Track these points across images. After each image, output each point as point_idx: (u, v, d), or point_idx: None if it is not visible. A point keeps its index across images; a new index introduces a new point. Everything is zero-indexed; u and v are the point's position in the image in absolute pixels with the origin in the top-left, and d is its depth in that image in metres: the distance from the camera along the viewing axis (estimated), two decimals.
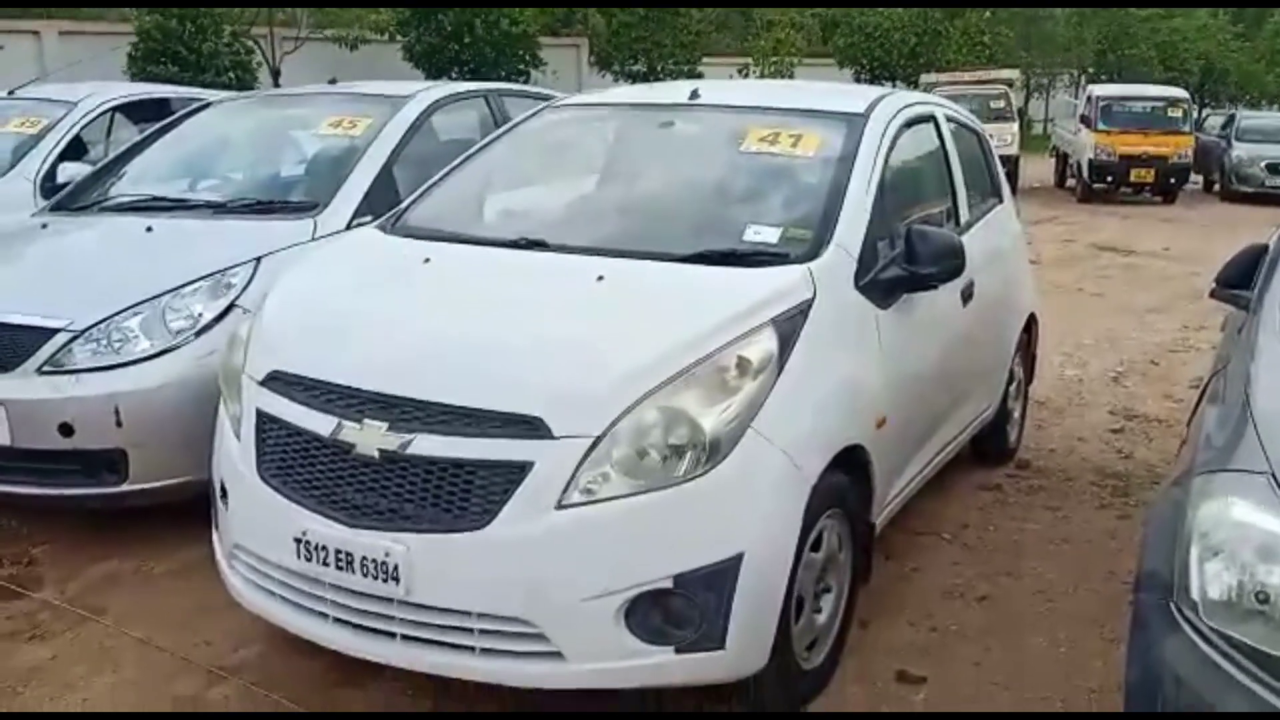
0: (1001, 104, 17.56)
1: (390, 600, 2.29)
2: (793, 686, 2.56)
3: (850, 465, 2.62)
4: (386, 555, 2.26)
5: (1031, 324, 4.51)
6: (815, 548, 2.53)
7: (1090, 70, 31.44)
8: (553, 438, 2.23)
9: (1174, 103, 17.03)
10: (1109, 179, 16.33)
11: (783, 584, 2.34)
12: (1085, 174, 16.49)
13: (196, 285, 3.49)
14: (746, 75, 23.78)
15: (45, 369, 3.32)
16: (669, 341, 2.38)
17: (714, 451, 2.26)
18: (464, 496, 2.25)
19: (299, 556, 2.37)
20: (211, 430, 2.78)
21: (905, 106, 3.50)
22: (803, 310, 2.56)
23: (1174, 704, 1.70)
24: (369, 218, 3.68)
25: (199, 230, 3.89)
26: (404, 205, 3.40)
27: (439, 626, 2.28)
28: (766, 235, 2.84)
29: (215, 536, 2.76)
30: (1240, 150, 17.51)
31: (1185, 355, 6.53)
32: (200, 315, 3.43)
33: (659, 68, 23.37)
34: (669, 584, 2.21)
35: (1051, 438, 4.84)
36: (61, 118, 5.57)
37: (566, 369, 2.35)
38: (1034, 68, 30.70)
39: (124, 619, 3.01)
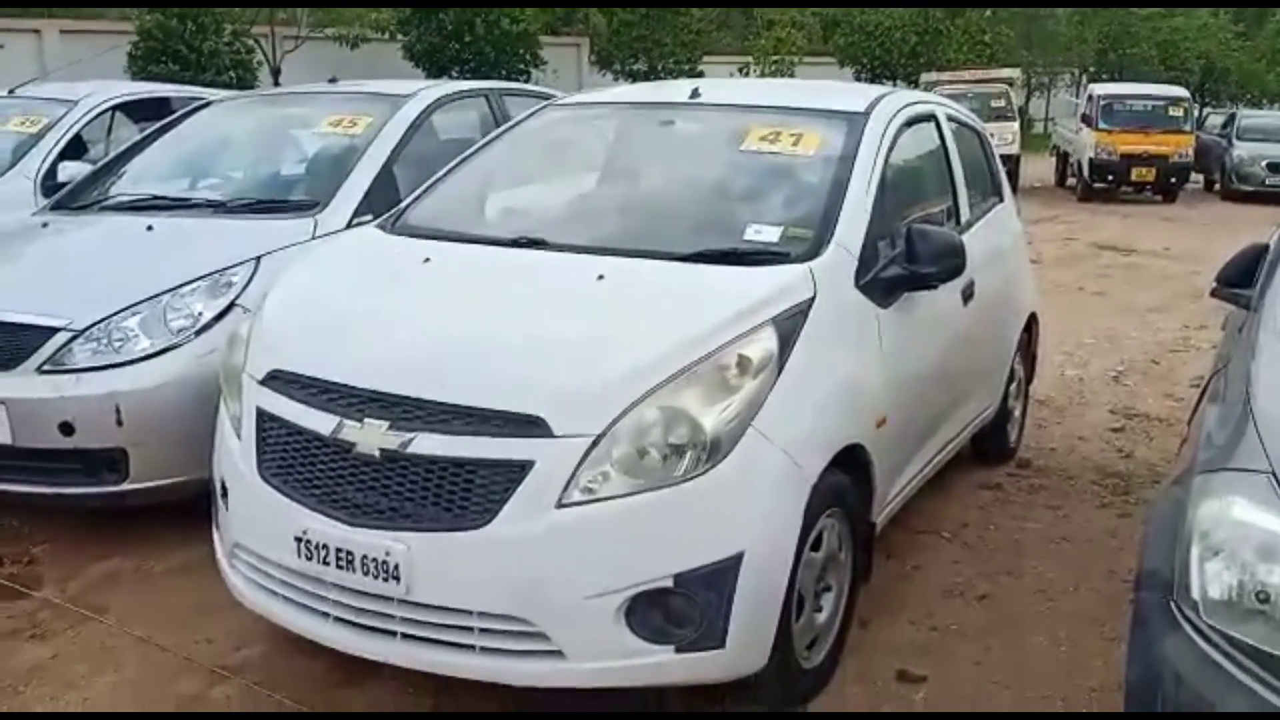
0: (1002, 103, 17.56)
1: (391, 599, 2.29)
2: (793, 685, 2.56)
3: (850, 464, 2.62)
4: (387, 554, 2.26)
5: (1032, 323, 4.51)
6: (815, 547, 2.53)
7: (1091, 69, 31.42)
8: (553, 437, 2.23)
9: (1175, 102, 17.02)
10: (1110, 178, 16.32)
11: (783, 583, 2.34)
12: (1086, 173, 16.49)
13: (196, 284, 3.49)
14: (747, 74, 23.76)
15: (46, 368, 3.32)
16: (669, 340, 2.38)
17: (714, 451, 2.26)
18: (464, 495, 2.25)
19: (299, 555, 2.37)
20: (212, 429, 2.78)
21: (906, 105, 3.49)
22: (803, 309, 2.55)
23: (1174, 703, 1.70)
24: (369, 217, 3.68)
25: (199, 229, 3.90)
26: (404, 204, 3.40)
27: (439, 625, 2.28)
28: (767, 234, 2.84)
29: (216, 535, 2.76)
30: (1241, 149, 17.51)
31: (1186, 354, 6.53)
32: (200, 314, 3.43)
33: (659, 67, 23.36)
34: (669, 583, 2.21)
35: (1052, 437, 4.84)
36: (62, 116, 5.57)
37: (567, 368, 2.35)
38: (1035, 67, 30.68)
39: (125, 618, 3.01)
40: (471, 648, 2.28)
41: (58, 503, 3.49)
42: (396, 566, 2.25)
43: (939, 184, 3.77)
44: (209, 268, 3.53)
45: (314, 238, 3.73)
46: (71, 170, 5.06)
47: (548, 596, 2.22)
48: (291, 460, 2.45)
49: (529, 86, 6.62)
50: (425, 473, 2.27)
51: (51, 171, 5.26)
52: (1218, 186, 18.09)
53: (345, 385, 2.42)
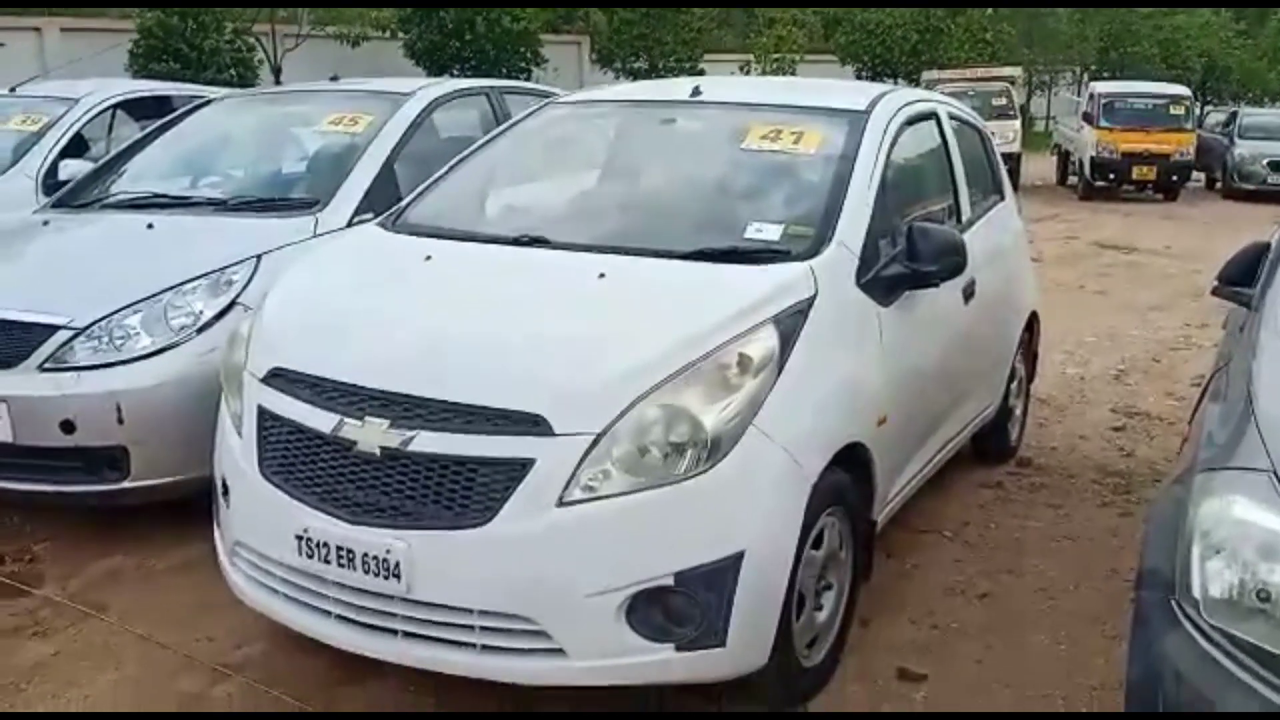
0: (1003, 101, 17.56)
1: (391, 597, 2.29)
2: (793, 684, 2.56)
3: (851, 463, 2.62)
4: (388, 552, 2.26)
5: (1033, 322, 4.51)
6: (816, 545, 2.53)
7: (1092, 67, 31.39)
8: (554, 435, 2.23)
9: (1176, 100, 17.01)
10: (1111, 176, 16.30)
11: (784, 582, 2.35)
12: (1087, 171, 16.48)
13: (197, 283, 3.49)
14: (748, 72, 23.76)
15: (47, 366, 3.32)
16: (670, 339, 2.37)
17: (715, 449, 2.26)
18: (465, 494, 2.25)
19: (300, 553, 2.37)
20: (212, 428, 2.78)
21: (907, 104, 3.49)
22: (804, 308, 2.55)
23: (1175, 702, 1.70)
24: (370, 215, 3.68)
25: (200, 227, 3.90)
26: (405, 203, 3.40)
27: (440, 624, 2.28)
28: (768, 232, 2.83)
29: (217, 533, 2.76)
30: (1242, 148, 17.50)
31: (1187, 353, 6.53)
32: (201, 313, 3.43)
33: (660, 65, 23.36)
34: (670, 581, 2.21)
35: (1053, 435, 4.84)
36: (63, 115, 5.57)
37: (568, 366, 2.35)
38: (1036, 65, 30.66)
39: (126, 616, 3.01)
40: (472, 646, 2.28)
41: (59, 501, 3.49)
42: (397, 565, 2.25)
43: (940, 182, 3.77)
44: (210, 266, 3.53)
45: (315, 236, 3.73)
46: (72, 168, 5.06)
47: (548, 595, 2.22)
48: (292, 458, 2.45)
49: (530, 85, 6.62)
50: (426, 471, 2.27)
51: (52, 170, 5.26)
52: (1219, 185, 18.07)
53: (346, 383, 2.42)
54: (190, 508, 3.18)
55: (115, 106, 5.87)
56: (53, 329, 3.34)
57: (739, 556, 2.24)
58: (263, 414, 2.54)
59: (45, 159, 5.31)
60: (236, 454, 2.58)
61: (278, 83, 17.88)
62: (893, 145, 3.20)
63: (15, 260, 3.84)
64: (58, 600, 3.12)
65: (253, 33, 18.80)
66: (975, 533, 3.73)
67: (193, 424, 3.14)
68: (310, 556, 2.36)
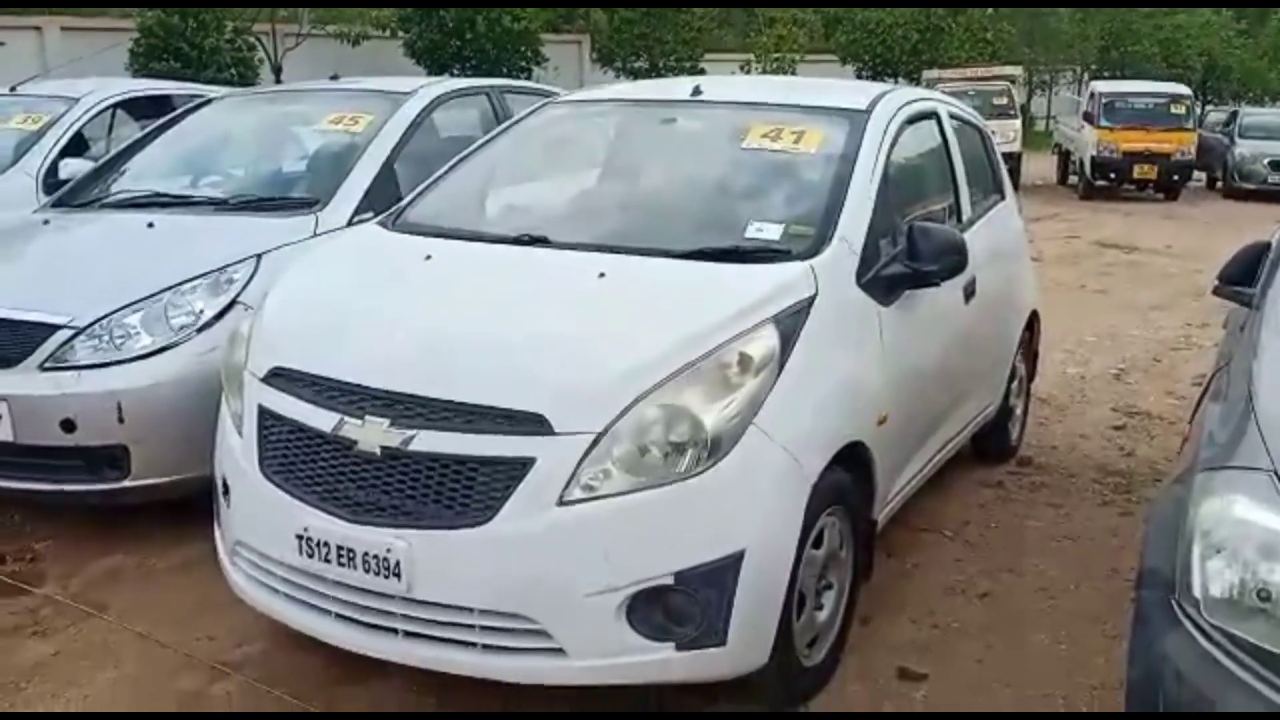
0: (1004, 100, 17.55)
1: (392, 596, 2.29)
2: (794, 684, 2.56)
3: (852, 462, 2.62)
4: (388, 551, 2.26)
5: (1034, 321, 4.51)
6: (816, 545, 2.52)
7: (1093, 67, 31.39)
8: (554, 434, 2.23)
9: (1177, 99, 17.00)
10: (1112, 176, 16.30)
11: (784, 581, 2.35)
12: (1088, 171, 16.48)
13: (198, 282, 3.49)
14: (748, 72, 23.75)
15: (47, 365, 3.32)
16: (670, 338, 2.37)
17: (715, 448, 2.26)
18: (465, 493, 2.25)
19: (301, 553, 2.37)
20: (213, 427, 2.78)
21: (907, 103, 3.49)
22: (804, 307, 2.55)
23: (1175, 701, 1.70)
24: (370, 214, 3.68)
25: (200, 227, 3.90)
26: (405, 202, 3.40)
27: (440, 623, 2.28)
28: (768, 232, 2.83)
29: (217, 533, 2.76)
30: (1243, 147, 17.50)
31: (1188, 352, 6.53)
32: (202, 312, 3.43)
33: (661, 64, 23.36)
34: (670, 581, 2.21)
35: (1054, 435, 4.84)
36: (63, 114, 5.57)
37: (568, 365, 2.35)
38: (1037, 64, 30.65)
39: (126, 615, 3.01)
40: (473, 645, 2.28)
41: (59, 500, 3.49)
42: (398, 564, 2.25)
43: (941, 181, 3.77)
44: (210, 265, 3.53)
45: (315, 235, 3.73)
46: (73, 167, 5.06)
47: (549, 594, 2.22)
48: (293, 458, 2.45)
49: (530, 84, 6.62)
50: (426, 470, 2.27)
51: (53, 169, 5.26)
52: (1220, 184, 18.07)
53: (346, 383, 2.43)
54: (190, 507, 3.18)
55: (115, 106, 5.87)
56: (53, 328, 3.34)
57: (739, 556, 2.24)
58: (263, 413, 2.54)
59: (46, 158, 5.31)
60: (237, 453, 2.58)
61: (278, 82, 17.87)
62: (893, 145, 3.20)
63: (16, 259, 3.84)
64: (58, 599, 3.12)
65: (253, 32, 18.79)
66: (976, 532, 3.73)
67: (193, 423, 3.14)
68: (311, 556, 2.36)
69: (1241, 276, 2.90)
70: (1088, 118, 16.91)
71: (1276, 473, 1.74)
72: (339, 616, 2.39)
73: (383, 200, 3.77)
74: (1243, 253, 3.01)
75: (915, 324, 3.02)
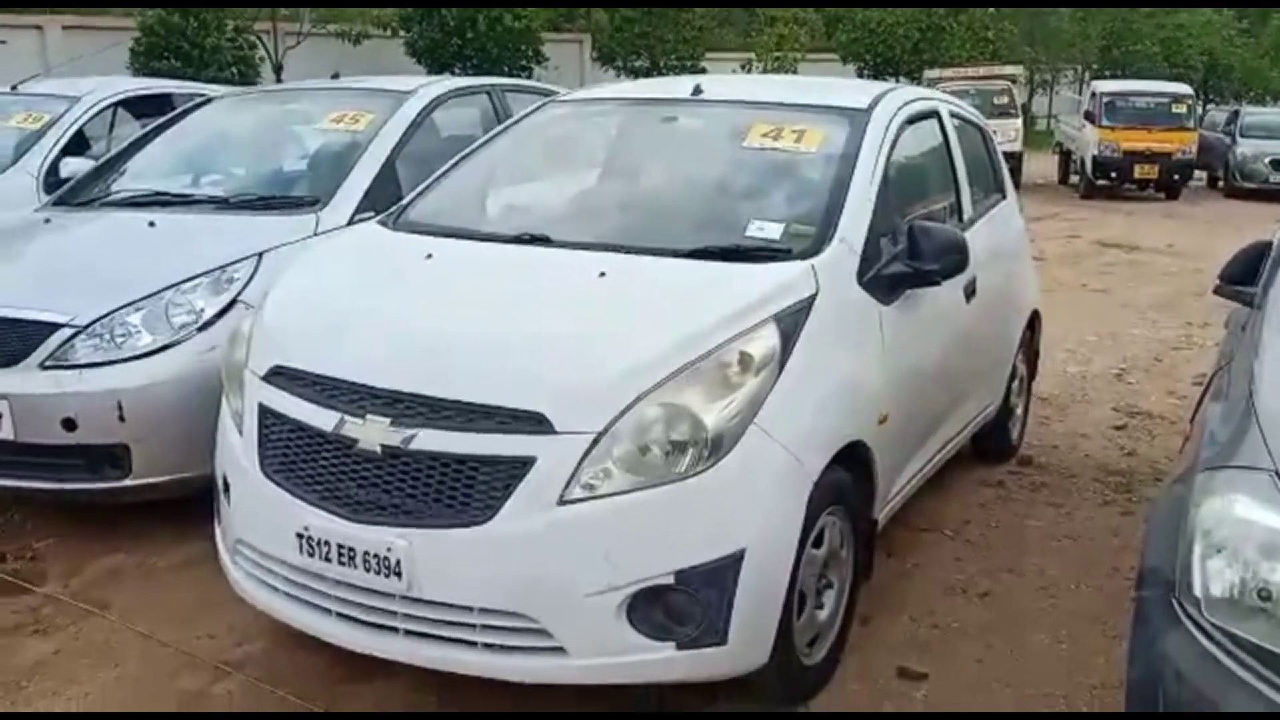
0: (1005, 100, 17.54)
1: (392, 595, 2.29)
2: (794, 683, 2.56)
3: (852, 462, 2.62)
4: (389, 550, 2.26)
5: (1035, 320, 4.51)
6: (817, 544, 2.52)
7: (1094, 66, 31.36)
8: (555, 433, 2.23)
9: (1178, 99, 17.00)
10: (1113, 175, 16.30)
11: (784, 580, 2.35)
12: (1089, 170, 16.47)
13: (199, 281, 3.49)
14: (749, 71, 23.74)
15: (48, 364, 3.32)
16: (671, 337, 2.37)
17: (716, 448, 2.26)
18: (466, 492, 2.25)
19: (301, 552, 2.37)
20: (214, 426, 2.78)
21: (908, 102, 3.49)
22: (805, 306, 2.55)
23: (1176, 701, 1.70)
24: (371, 213, 3.67)
25: (201, 226, 3.90)
26: (406, 201, 3.40)
27: (441, 622, 2.28)
28: (769, 231, 2.83)
29: (218, 531, 2.77)
30: (1244, 147, 17.50)
31: (1189, 352, 6.52)
32: (202, 310, 3.43)
33: (661, 63, 23.35)
34: (671, 580, 2.21)
35: (1054, 434, 4.84)
36: (64, 113, 5.57)
37: (569, 365, 2.35)
38: (1038, 63, 30.62)
39: (127, 614, 3.02)
40: (473, 644, 2.28)
41: (60, 498, 3.50)
42: (398, 563, 2.25)
43: (942, 181, 3.77)
44: (211, 264, 3.53)
45: (316, 234, 3.73)
46: (74, 166, 5.06)
47: (549, 593, 2.22)
48: (293, 456, 2.45)
49: (531, 83, 6.61)
50: (427, 469, 2.27)
51: (54, 168, 5.26)
52: (1221, 184, 18.06)
53: (347, 381, 2.43)
54: (191, 506, 3.18)
55: (116, 104, 5.87)
56: (54, 327, 3.34)
57: (740, 555, 2.24)
58: (264, 412, 2.54)
59: (47, 157, 5.31)
60: (238, 452, 2.59)
61: (279, 81, 17.87)
62: (894, 144, 3.19)
63: (16, 258, 3.84)
64: (59, 598, 3.12)
65: (254, 31, 18.80)
66: (976, 531, 3.73)
67: (194, 422, 3.14)
68: (311, 555, 2.36)
69: (1242, 276, 2.90)
70: (1089, 117, 16.90)
71: (1277, 472, 1.74)
72: (340, 615, 2.39)
73: (384, 199, 3.77)
74: (1244, 252, 3.01)
75: (916, 323, 3.02)
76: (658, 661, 2.25)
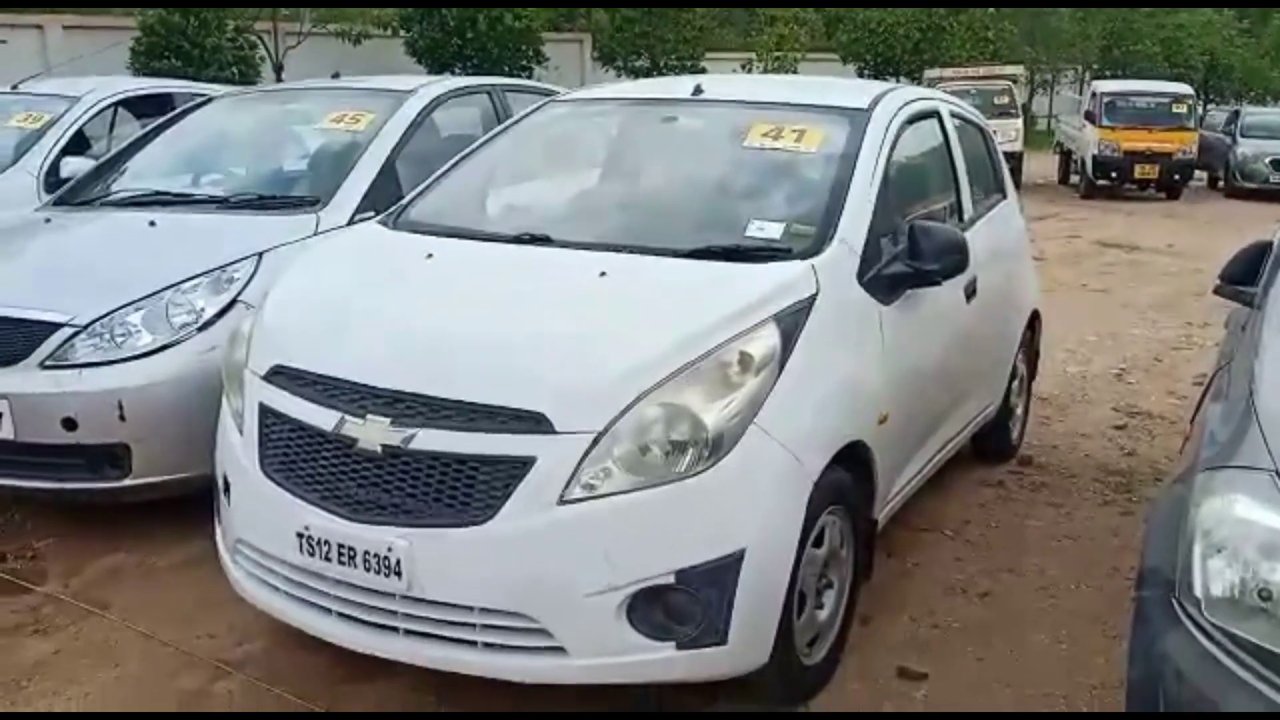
0: (1005, 100, 17.53)
1: (392, 595, 2.29)
2: (794, 683, 2.56)
3: (852, 461, 2.62)
4: (389, 550, 2.26)
5: (1035, 320, 4.51)
6: (817, 544, 2.52)
7: (1095, 66, 31.36)
8: (555, 433, 2.23)
9: (1178, 99, 17.00)
10: (1113, 175, 16.30)
11: (785, 580, 2.34)
12: (1089, 170, 16.47)
13: (199, 280, 3.49)
14: (750, 71, 23.73)
15: (48, 363, 3.32)
16: (671, 337, 2.37)
17: (716, 447, 2.26)
18: (466, 492, 2.25)
19: (302, 551, 2.38)
20: (214, 425, 2.78)
21: (909, 102, 3.49)
22: (806, 306, 2.55)
23: (1176, 701, 1.70)
24: (371, 213, 3.68)
25: (201, 225, 3.90)
26: (407, 200, 3.40)
27: (441, 621, 2.28)
28: (769, 231, 2.83)
29: (218, 531, 2.77)
30: (1245, 147, 17.49)
31: (1189, 352, 6.52)
32: (203, 310, 3.43)
33: (662, 63, 23.34)
34: (671, 580, 2.21)
35: (1054, 434, 4.84)
36: (64, 112, 5.57)
37: (569, 364, 2.35)
38: (1038, 63, 30.61)
39: (127, 613, 3.02)
40: (473, 644, 2.28)
41: (60, 498, 3.50)
42: (398, 562, 2.25)
43: (942, 181, 3.77)
44: (211, 264, 3.53)
45: (316, 234, 3.73)
46: (74, 166, 5.06)
47: (549, 593, 2.22)
48: (294, 456, 2.45)
49: (531, 83, 6.62)
50: (427, 469, 2.27)
51: (54, 167, 5.26)
52: (1221, 184, 18.06)
53: (347, 381, 2.43)
54: (191, 505, 3.18)
55: (117, 104, 5.87)
56: (54, 326, 3.34)
57: (740, 555, 2.24)
58: (264, 411, 2.54)
59: (47, 156, 5.31)
60: (238, 452, 2.59)
61: (279, 80, 17.87)
62: (894, 144, 3.19)
63: (17, 258, 3.84)
64: (59, 598, 3.12)
65: (254, 30, 18.80)
66: (976, 531, 3.73)
67: (194, 422, 3.15)
68: (311, 554, 2.36)
69: (1243, 276, 2.90)
70: (1089, 117, 16.90)
71: (1277, 472, 1.74)
72: (340, 615, 2.39)
73: (384, 199, 3.77)
74: (1244, 252, 3.01)
75: (916, 323, 3.02)
76: (658, 661, 2.25)
